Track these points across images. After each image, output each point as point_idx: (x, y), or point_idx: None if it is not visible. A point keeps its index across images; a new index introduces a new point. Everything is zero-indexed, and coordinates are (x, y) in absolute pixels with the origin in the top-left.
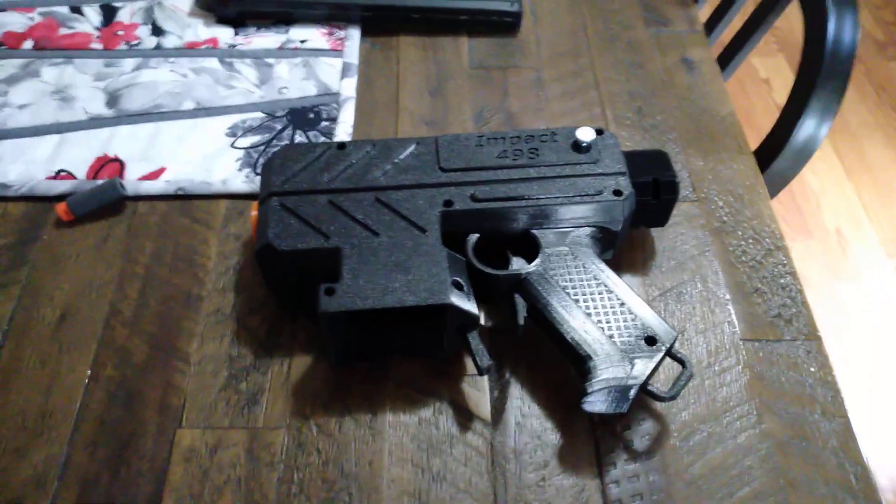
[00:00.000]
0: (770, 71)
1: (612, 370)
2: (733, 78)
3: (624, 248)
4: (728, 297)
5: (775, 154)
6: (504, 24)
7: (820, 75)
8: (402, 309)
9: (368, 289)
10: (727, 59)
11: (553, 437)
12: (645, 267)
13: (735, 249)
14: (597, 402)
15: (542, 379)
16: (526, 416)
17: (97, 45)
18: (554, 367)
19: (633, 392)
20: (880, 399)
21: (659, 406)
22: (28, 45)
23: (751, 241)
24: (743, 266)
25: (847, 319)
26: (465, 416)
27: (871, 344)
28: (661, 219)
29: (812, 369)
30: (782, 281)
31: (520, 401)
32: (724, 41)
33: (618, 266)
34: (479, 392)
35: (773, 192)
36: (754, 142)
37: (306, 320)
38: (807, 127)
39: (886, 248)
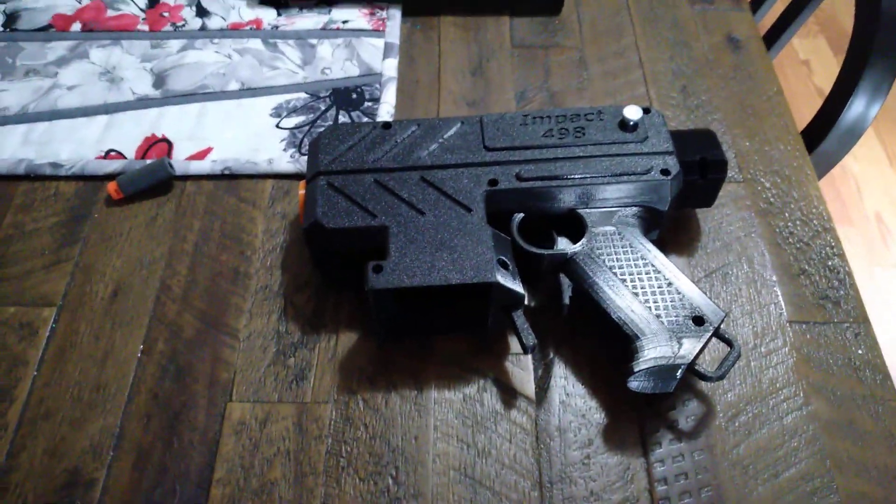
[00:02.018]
0: (810, 52)
1: (659, 349)
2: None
3: (669, 228)
4: (774, 278)
5: (823, 135)
6: (547, 4)
7: (871, 52)
8: (447, 287)
9: (415, 267)
10: (772, 38)
11: (598, 416)
12: (690, 248)
13: (782, 231)
14: (643, 382)
15: (587, 359)
16: (570, 394)
17: (143, 27)
18: (597, 347)
19: (680, 372)
20: None
21: (704, 387)
22: (76, 27)
23: (798, 222)
24: (790, 248)
25: (887, 306)
26: (509, 394)
27: None
28: (709, 199)
29: (860, 352)
30: (830, 263)
31: (564, 380)
32: (767, 22)
33: (663, 246)
34: (523, 371)
35: (821, 173)
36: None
37: (351, 298)
38: (857, 106)
39: None
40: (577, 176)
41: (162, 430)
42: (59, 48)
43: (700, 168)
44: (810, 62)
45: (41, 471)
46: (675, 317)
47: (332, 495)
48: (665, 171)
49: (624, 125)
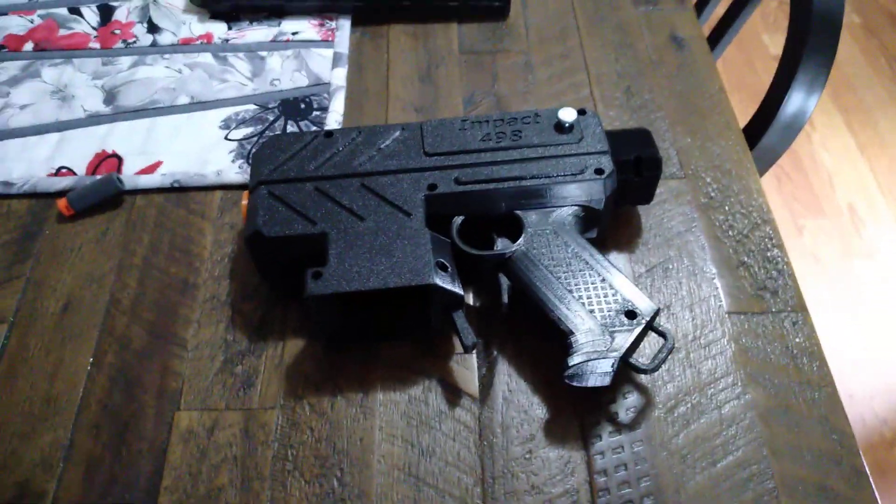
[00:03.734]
0: (780, 47)
1: (592, 344)
2: (743, 55)
3: (611, 225)
4: (714, 271)
5: (764, 130)
6: (493, 10)
7: (806, 48)
8: (387, 290)
9: (354, 272)
10: (720, 35)
11: (540, 411)
12: (632, 244)
13: (722, 224)
14: (579, 376)
15: (529, 356)
16: (513, 391)
17: (95, 45)
18: (540, 344)
19: (613, 365)
20: None
21: (644, 379)
22: (29, 46)
23: (738, 215)
24: (730, 241)
25: (861, 295)
26: (453, 393)
27: (884, 318)
28: (646, 196)
29: (798, 340)
30: (769, 254)
31: (507, 377)
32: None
33: (605, 244)
34: (467, 370)
35: (764, 167)
36: None
37: (298, 305)
38: (794, 101)
39: None
40: (513, 178)
41: (111, 441)
42: (11, 68)
43: (635, 166)
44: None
45: None
46: (608, 312)
47: (278, 499)
48: (599, 171)
49: (560, 127)
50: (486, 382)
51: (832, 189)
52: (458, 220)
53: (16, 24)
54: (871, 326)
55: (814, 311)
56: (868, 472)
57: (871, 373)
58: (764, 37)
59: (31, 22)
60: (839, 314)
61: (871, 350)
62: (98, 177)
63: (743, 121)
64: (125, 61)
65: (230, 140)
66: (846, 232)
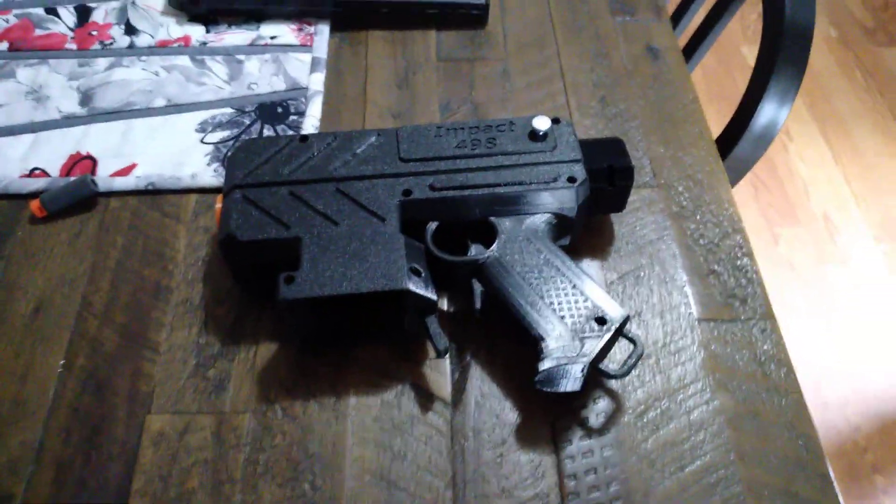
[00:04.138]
0: None
1: (562, 350)
2: (722, 66)
3: (584, 233)
4: (685, 279)
5: (736, 140)
6: (472, 17)
7: (777, 61)
8: (360, 295)
9: (327, 276)
10: (696, 45)
11: (511, 415)
12: (604, 252)
13: (693, 233)
14: (550, 381)
15: (502, 361)
16: (485, 396)
17: (71, 46)
18: (513, 350)
19: (583, 370)
20: (869, 377)
21: (615, 385)
22: (3, 46)
23: (709, 224)
24: (700, 249)
25: (834, 302)
26: (426, 398)
27: (858, 325)
28: (619, 204)
29: (766, 347)
30: (738, 263)
31: (480, 382)
32: (690, 31)
33: (578, 251)
34: (440, 375)
35: (736, 177)
36: None
37: (271, 310)
38: (766, 112)
39: (874, 232)
40: (487, 185)
41: (81, 444)
42: None
43: (608, 175)
44: None
45: None
46: (579, 318)
47: (249, 502)
48: (571, 179)
49: (534, 135)
50: (459, 387)
51: (807, 197)
52: (433, 225)
53: None
54: (845, 335)
55: (788, 319)
56: (833, 476)
57: (845, 381)
58: (743, 48)
59: (7, 21)
60: (813, 322)
61: (844, 358)
62: (72, 178)
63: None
64: (102, 63)
65: (206, 143)
66: (821, 240)
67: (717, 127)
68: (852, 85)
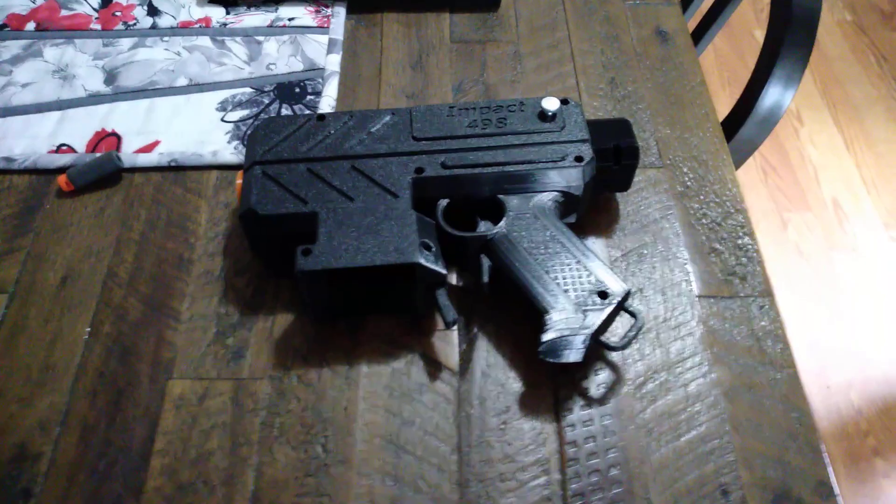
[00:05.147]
0: None
1: (565, 322)
2: (735, 50)
3: (590, 211)
4: (687, 257)
5: (742, 122)
6: (485, 0)
7: (784, 43)
8: (373, 268)
9: (342, 250)
10: (705, 28)
11: (515, 385)
12: (609, 229)
13: (696, 212)
14: (553, 352)
15: (508, 333)
16: (491, 366)
17: (96, 26)
18: (519, 323)
19: (585, 341)
20: (874, 362)
21: (616, 357)
22: (30, 26)
23: (712, 204)
24: (703, 228)
25: (842, 288)
26: (434, 367)
27: (864, 311)
28: (624, 184)
29: (763, 324)
30: (740, 241)
31: (486, 353)
32: (700, 14)
33: (583, 229)
34: (448, 345)
35: (741, 158)
36: None
37: (288, 281)
38: (771, 94)
39: (884, 219)
40: (497, 163)
41: (107, 407)
42: (13, 47)
43: (614, 155)
44: None
45: None
46: (582, 292)
47: (265, 463)
48: (579, 158)
49: (543, 115)
50: (466, 357)
51: (817, 183)
52: (444, 202)
53: (18, 4)
54: (851, 320)
55: (794, 303)
56: (823, 449)
57: (849, 365)
58: (756, 32)
59: (34, 2)
60: (820, 306)
61: (849, 343)
62: (98, 154)
63: None
64: (125, 43)
65: (226, 122)
66: (830, 226)
67: (727, 111)
68: (866, 71)
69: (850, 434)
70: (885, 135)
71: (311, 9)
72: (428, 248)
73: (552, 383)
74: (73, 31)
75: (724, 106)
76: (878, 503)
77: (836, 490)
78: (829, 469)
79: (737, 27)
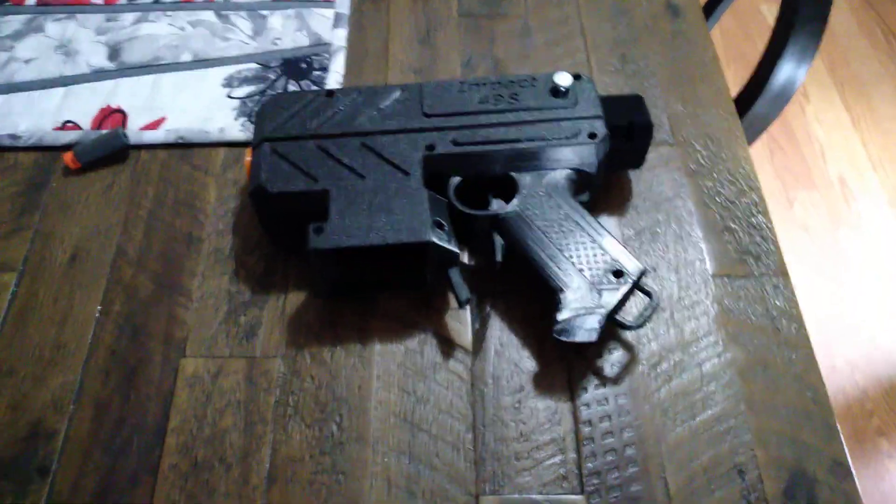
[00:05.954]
0: None
1: (580, 301)
2: (741, 26)
3: (602, 189)
4: (700, 235)
5: (755, 99)
6: None
7: (797, 18)
8: (385, 246)
9: (354, 228)
10: (715, 3)
11: (529, 364)
12: (622, 208)
13: (710, 191)
14: (567, 331)
15: (521, 312)
16: (505, 345)
17: (98, 1)
18: (532, 301)
19: (600, 321)
20: (879, 342)
21: (630, 337)
22: (31, 1)
23: (725, 182)
24: (716, 206)
25: (847, 266)
26: (448, 346)
27: (870, 290)
28: (637, 161)
29: (778, 303)
30: (753, 220)
31: (499, 332)
32: None
33: (596, 207)
34: (461, 324)
35: (754, 135)
36: None
37: (298, 259)
38: (784, 71)
39: (890, 197)
40: (509, 140)
41: (119, 385)
42: (14, 22)
43: (627, 132)
44: None
45: (5, 423)
46: (597, 271)
47: (280, 441)
48: (592, 135)
49: (555, 91)
50: (479, 336)
51: (824, 161)
52: (455, 180)
53: None
54: (857, 299)
55: (800, 282)
56: (839, 427)
57: (854, 345)
58: (762, 7)
59: None
60: (826, 285)
61: (855, 322)
62: (104, 131)
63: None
64: (128, 17)
65: (233, 98)
66: (836, 203)
67: (733, 87)
68: (874, 48)
69: (855, 414)
70: (891, 112)
71: None
72: (440, 226)
73: (565, 362)
74: (74, 5)
75: (730, 83)
76: (883, 483)
77: (852, 470)
78: (845, 448)
79: (743, 2)
